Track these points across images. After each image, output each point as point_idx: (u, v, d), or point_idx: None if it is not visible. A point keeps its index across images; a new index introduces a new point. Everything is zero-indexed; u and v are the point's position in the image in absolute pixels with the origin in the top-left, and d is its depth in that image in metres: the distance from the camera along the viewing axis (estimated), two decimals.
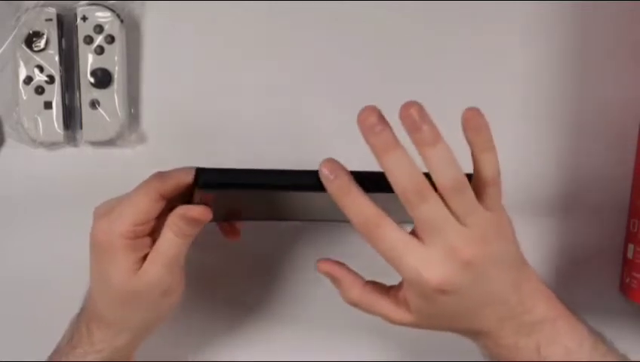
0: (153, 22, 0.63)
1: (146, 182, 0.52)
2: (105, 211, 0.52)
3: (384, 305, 0.51)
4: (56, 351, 0.56)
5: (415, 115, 0.44)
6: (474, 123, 0.46)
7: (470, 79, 0.63)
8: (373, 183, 0.46)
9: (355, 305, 0.51)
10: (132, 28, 0.63)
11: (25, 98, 0.61)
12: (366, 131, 0.45)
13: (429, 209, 0.45)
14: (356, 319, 0.61)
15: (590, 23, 0.64)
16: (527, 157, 0.64)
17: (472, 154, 0.47)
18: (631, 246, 0.63)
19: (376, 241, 0.46)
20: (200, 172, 0.48)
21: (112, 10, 0.61)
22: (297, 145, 0.62)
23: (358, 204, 0.46)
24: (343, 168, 0.46)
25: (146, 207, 0.51)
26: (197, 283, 0.63)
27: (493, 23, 0.64)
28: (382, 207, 0.46)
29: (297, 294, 0.65)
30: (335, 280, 0.51)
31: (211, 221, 0.54)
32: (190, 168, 0.50)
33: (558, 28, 0.64)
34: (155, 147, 0.64)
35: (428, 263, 0.46)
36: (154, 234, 0.52)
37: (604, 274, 0.65)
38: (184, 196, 0.52)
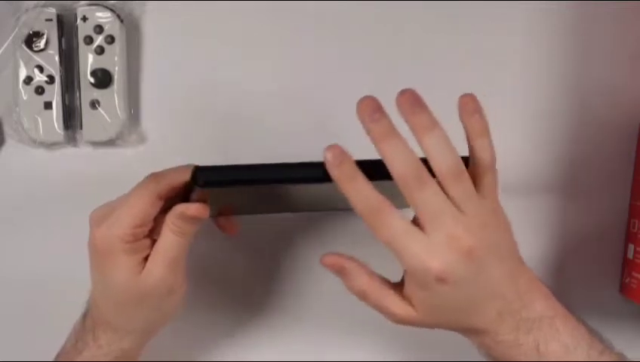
0: (153, 22, 0.63)
1: (142, 184, 0.51)
2: (102, 216, 0.51)
3: (390, 296, 0.50)
4: (59, 355, 0.56)
5: (411, 100, 0.45)
6: (470, 107, 0.47)
7: (470, 79, 0.63)
8: (372, 171, 0.46)
9: (362, 294, 0.50)
10: (132, 28, 0.63)
11: (25, 98, 0.61)
12: (365, 119, 0.45)
13: (428, 195, 0.45)
14: (360, 312, 0.62)
15: (590, 23, 0.64)
16: (526, 158, 0.64)
17: (468, 140, 0.47)
18: (631, 246, 0.63)
19: (379, 228, 0.46)
20: (198, 170, 0.47)
21: (112, 11, 0.61)
22: (299, 142, 0.62)
23: (361, 190, 0.46)
24: (347, 154, 0.46)
25: (143, 209, 0.51)
26: (199, 281, 0.63)
27: (493, 22, 0.64)
28: (383, 194, 0.47)
29: (301, 287, 0.65)
30: (342, 270, 0.50)
31: (210, 216, 0.54)
32: (186, 167, 0.49)
33: (558, 28, 0.64)
34: (155, 147, 0.64)
35: (429, 252, 0.46)
36: (153, 234, 0.52)
37: (604, 274, 0.65)
38: (181, 194, 0.52)
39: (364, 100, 0.45)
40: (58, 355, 0.56)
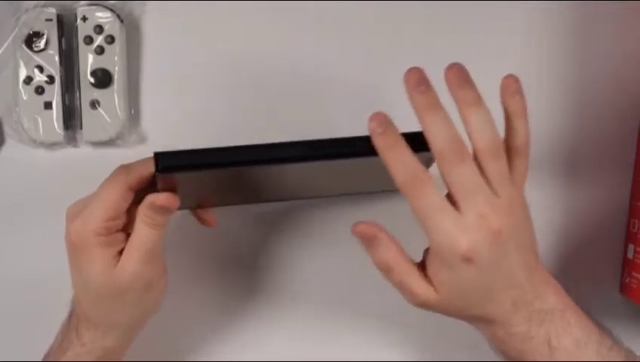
0: (153, 22, 0.63)
1: (112, 177, 0.52)
2: (76, 211, 0.52)
3: (414, 275, 0.49)
4: (47, 355, 0.56)
5: (459, 75, 0.46)
6: (512, 88, 0.48)
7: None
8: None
9: (387, 268, 0.49)
10: (132, 28, 0.63)
11: (25, 98, 0.61)
12: (411, 89, 0.46)
13: (465, 171, 0.45)
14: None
15: (590, 23, 0.64)
16: None
17: (507, 122, 0.48)
18: (631, 247, 0.63)
19: (416, 198, 0.46)
20: (158, 156, 0.47)
21: (112, 11, 0.61)
22: None
23: (404, 158, 0.46)
24: (390, 122, 0.46)
25: (114, 201, 0.51)
26: (184, 278, 0.63)
27: (493, 22, 0.64)
28: None
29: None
30: (373, 239, 0.49)
31: (186, 209, 0.54)
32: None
33: (558, 28, 0.64)
34: (155, 147, 0.63)
35: (459, 230, 0.46)
36: (127, 228, 0.52)
37: (605, 274, 0.65)
38: (154, 186, 0.51)
39: (411, 71, 0.46)
40: (46, 355, 0.56)
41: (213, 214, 0.58)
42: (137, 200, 0.52)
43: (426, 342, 0.65)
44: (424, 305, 0.50)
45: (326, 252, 0.64)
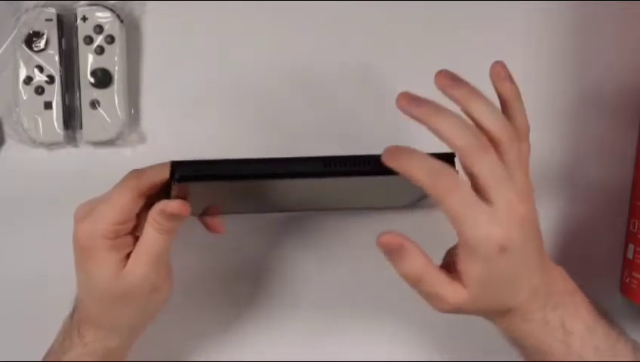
0: (153, 22, 0.63)
1: (123, 181, 0.52)
2: (85, 213, 0.51)
3: (443, 279, 0.47)
4: (48, 354, 0.56)
5: (449, 76, 0.46)
6: (502, 74, 0.48)
7: (470, 79, 0.63)
8: (379, 166, 0.46)
9: (416, 279, 0.47)
10: (132, 28, 0.63)
11: (25, 98, 0.61)
12: (410, 102, 0.45)
13: (491, 161, 0.45)
14: (354, 309, 0.63)
15: (590, 23, 0.64)
16: None
17: (504, 108, 0.48)
18: (631, 246, 0.63)
19: (445, 195, 0.44)
20: (175, 165, 0.47)
21: (112, 11, 0.61)
22: (302, 141, 0.62)
23: (422, 158, 0.45)
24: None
25: (124, 205, 0.51)
26: (189, 281, 0.63)
27: (493, 22, 0.64)
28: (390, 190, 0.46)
29: (289, 285, 0.65)
30: (400, 249, 0.47)
31: (195, 215, 0.54)
32: (167, 163, 0.49)
33: (558, 28, 0.64)
34: (155, 147, 0.64)
35: (495, 220, 0.45)
36: (136, 232, 0.52)
37: (604, 274, 0.65)
38: (165, 192, 0.51)
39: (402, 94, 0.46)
40: (47, 354, 0.56)
41: (221, 221, 0.58)
42: (147, 204, 0.52)
43: (427, 344, 0.65)
44: (454, 308, 0.48)
45: (328, 260, 0.64)
